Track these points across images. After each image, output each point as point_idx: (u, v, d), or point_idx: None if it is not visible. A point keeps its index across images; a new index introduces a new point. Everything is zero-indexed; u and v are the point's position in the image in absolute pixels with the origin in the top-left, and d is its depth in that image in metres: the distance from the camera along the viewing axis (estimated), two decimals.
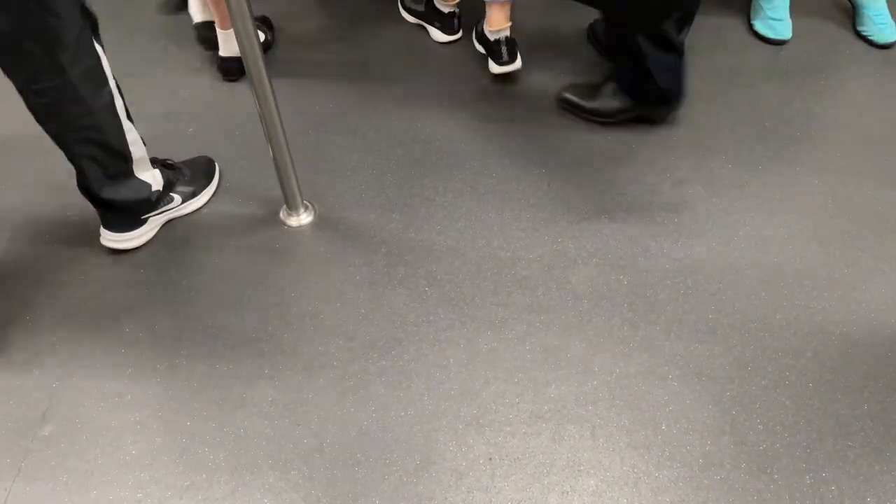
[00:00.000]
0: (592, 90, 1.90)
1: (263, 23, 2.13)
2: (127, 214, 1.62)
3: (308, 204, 1.74)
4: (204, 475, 1.33)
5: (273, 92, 1.48)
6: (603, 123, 1.89)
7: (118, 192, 1.56)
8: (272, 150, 1.58)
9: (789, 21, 2.14)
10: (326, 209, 1.75)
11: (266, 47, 2.08)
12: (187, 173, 1.73)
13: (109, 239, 1.64)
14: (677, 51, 1.77)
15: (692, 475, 1.31)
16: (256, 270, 1.63)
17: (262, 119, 1.52)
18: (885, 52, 2.10)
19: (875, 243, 1.65)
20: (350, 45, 2.18)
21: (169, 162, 1.70)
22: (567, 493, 1.29)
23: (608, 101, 1.87)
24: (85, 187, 1.56)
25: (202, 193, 1.76)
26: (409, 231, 1.70)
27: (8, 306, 1.58)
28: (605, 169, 1.82)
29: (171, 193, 1.67)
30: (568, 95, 1.93)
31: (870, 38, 2.11)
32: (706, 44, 2.14)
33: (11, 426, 1.40)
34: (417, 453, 1.35)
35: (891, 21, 2.10)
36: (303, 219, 1.72)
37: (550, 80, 2.03)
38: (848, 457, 1.32)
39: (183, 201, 1.71)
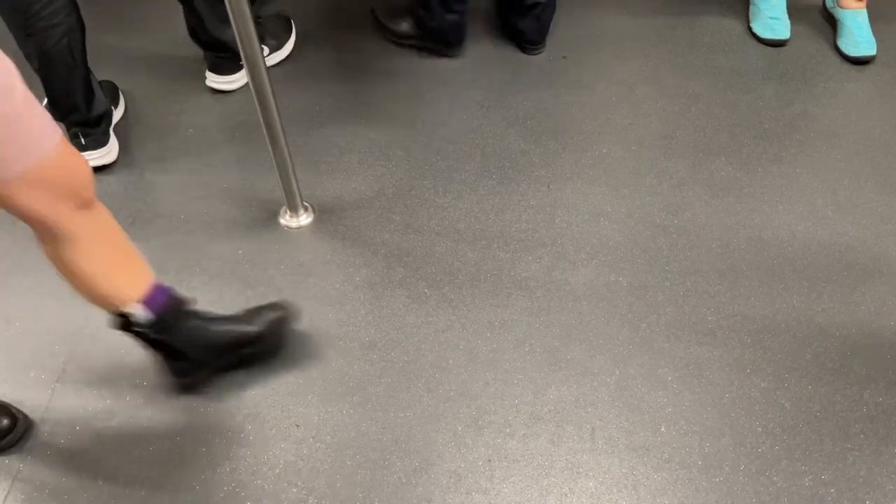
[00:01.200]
0: (398, 12, 2.12)
1: (110, 90, 1.96)
2: (231, 58, 1.94)
3: (308, 205, 1.74)
4: (203, 476, 1.33)
5: (273, 93, 1.48)
6: (397, 44, 2.14)
7: (227, 34, 1.77)
8: (272, 151, 1.58)
9: (787, 20, 2.14)
10: (326, 210, 1.75)
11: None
12: (270, 28, 2.06)
13: (215, 81, 2.01)
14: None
15: (691, 477, 1.31)
16: (256, 272, 1.63)
17: (262, 120, 1.52)
18: (885, 53, 2.09)
19: (875, 245, 1.65)
20: (350, 46, 2.18)
21: (259, 19, 1.93)
22: (566, 495, 1.29)
23: (402, 23, 2.11)
24: (195, 31, 1.89)
25: (285, 46, 2.09)
26: (409, 232, 1.70)
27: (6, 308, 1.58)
28: (605, 171, 1.82)
29: (261, 44, 1.79)
30: (376, 13, 2.17)
31: (844, 52, 2.10)
32: (706, 45, 2.14)
33: None
34: (416, 455, 1.35)
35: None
36: (302, 220, 1.72)
37: (551, 86, 2.03)
38: (847, 459, 1.32)
39: (269, 52, 2.02)
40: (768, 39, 2.13)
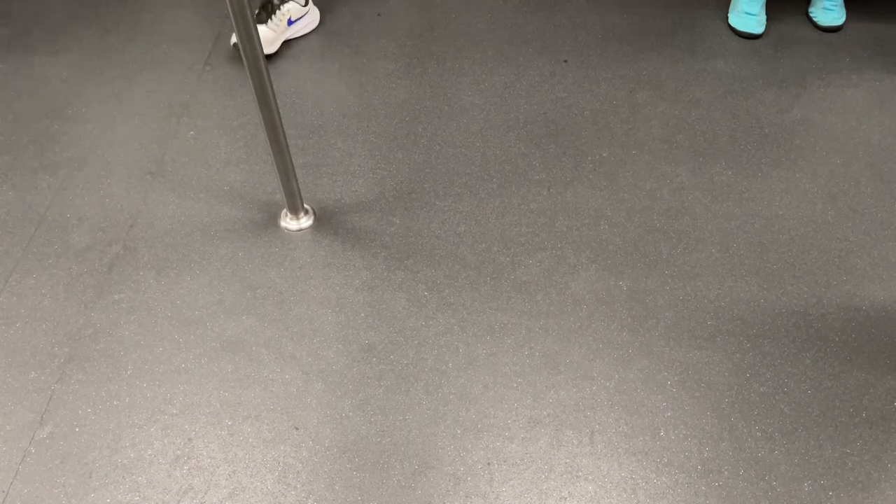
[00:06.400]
0: None
1: None
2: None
3: (308, 208, 1.74)
4: (201, 479, 1.33)
5: (274, 95, 1.48)
6: None
7: None
8: (273, 153, 1.58)
9: (763, 17, 2.21)
10: (327, 213, 1.75)
11: None
12: None
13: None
14: None
15: (690, 481, 1.31)
16: (256, 274, 1.63)
17: (263, 122, 1.52)
18: (884, 58, 2.10)
19: (874, 251, 1.65)
20: (350, 48, 2.18)
21: None
22: (565, 498, 1.29)
23: None
24: None
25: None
26: (409, 235, 1.70)
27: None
28: (605, 175, 1.82)
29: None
30: None
31: (815, 20, 2.22)
32: (706, 50, 2.14)
33: (10, 428, 1.39)
34: (416, 458, 1.34)
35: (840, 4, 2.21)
36: (303, 222, 1.72)
37: (552, 89, 2.03)
38: (846, 464, 1.32)
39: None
40: (742, 32, 2.20)
